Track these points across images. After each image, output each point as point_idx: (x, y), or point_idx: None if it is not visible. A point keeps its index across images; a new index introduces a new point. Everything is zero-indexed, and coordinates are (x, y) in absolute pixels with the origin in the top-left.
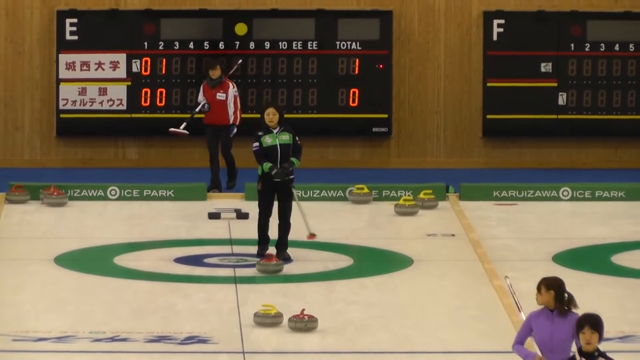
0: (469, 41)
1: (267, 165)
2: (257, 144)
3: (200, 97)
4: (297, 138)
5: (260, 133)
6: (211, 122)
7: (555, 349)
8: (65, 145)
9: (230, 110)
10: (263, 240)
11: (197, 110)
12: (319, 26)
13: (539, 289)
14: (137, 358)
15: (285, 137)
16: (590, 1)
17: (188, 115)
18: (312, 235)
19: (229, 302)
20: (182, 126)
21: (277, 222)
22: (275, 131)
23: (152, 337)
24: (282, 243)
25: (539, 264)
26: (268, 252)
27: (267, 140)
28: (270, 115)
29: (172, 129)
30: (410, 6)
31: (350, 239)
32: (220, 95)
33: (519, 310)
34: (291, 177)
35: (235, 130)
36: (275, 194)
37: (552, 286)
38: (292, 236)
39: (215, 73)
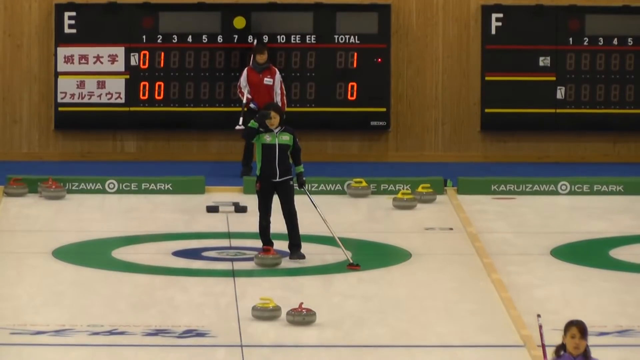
0: (468, 35)
1: (253, 123)
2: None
3: (243, 82)
4: (297, 139)
5: (261, 130)
6: (258, 107)
7: None
8: (64, 139)
9: (277, 96)
10: (267, 244)
11: (245, 102)
12: (317, 20)
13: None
14: (135, 351)
15: (286, 138)
16: None
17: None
18: (353, 265)
19: (227, 296)
20: (240, 122)
21: (285, 223)
22: (275, 131)
23: (150, 330)
24: (294, 244)
25: (537, 258)
26: (266, 246)
27: (267, 138)
28: (272, 120)
29: (237, 127)
30: (409, 0)
31: (348, 232)
32: (267, 80)
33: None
34: (289, 176)
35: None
36: (273, 192)
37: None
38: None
39: (263, 57)
